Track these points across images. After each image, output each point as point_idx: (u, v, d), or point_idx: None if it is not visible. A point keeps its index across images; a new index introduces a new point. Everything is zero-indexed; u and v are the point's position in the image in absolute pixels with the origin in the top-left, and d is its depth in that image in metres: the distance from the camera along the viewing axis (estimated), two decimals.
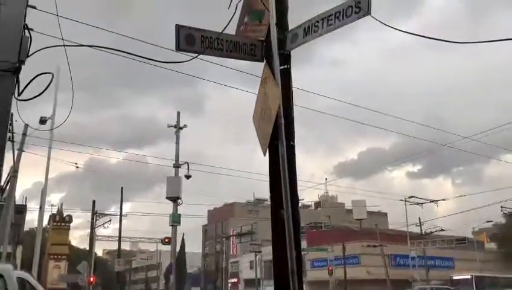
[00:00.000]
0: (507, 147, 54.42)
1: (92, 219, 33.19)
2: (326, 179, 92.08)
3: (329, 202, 69.35)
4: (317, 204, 72.26)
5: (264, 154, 3.51)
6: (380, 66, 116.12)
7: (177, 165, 20.90)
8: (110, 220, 34.75)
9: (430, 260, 44.08)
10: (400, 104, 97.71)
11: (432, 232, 43.89)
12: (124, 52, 4.08)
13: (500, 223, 49.19)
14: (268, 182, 3.57)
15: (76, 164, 30.32)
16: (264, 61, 3.56)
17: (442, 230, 43.47)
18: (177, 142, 21.08)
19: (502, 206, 40.11)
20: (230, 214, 68.30)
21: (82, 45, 4.35)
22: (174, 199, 20.29)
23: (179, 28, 3.54)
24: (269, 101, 3.37)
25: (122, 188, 35.00)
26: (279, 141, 3.40)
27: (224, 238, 63.39)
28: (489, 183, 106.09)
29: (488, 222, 47.58)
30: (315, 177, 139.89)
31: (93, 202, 34.05)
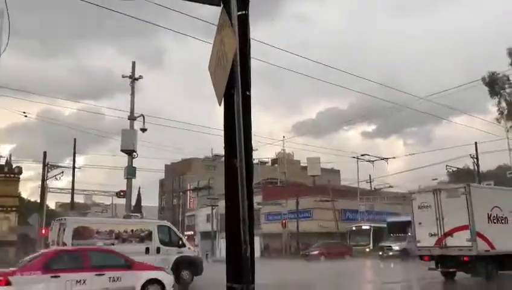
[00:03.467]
0: (457, 108, 56.95)
1: (43, 170, 32.19)
2: (284, 136, 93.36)
3: (286, 159, 70.68)
4: (274, 161, 73.53)
5: (220, 103, 3.45)
6: (344, 26, 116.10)
7: (132, 118, 20.38)
8: (63, 172, 33.87)
9: (378, 214, 46.61)
10: (361, 64, 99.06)
11: (381, 189, 46.15)
12: None
13: (444, 181, 52.27)
14: (223, 133, 3.53)
15: (24, 112, 28.74)
16: (221, 6, 3.41)
17: (390, 187, 45.82)
18: (132, 94, 20.44)
19: (447, 165, 42.47)
20: (188, 169, 68.28)
21: None
22: (129, 152, 19.95)
23: None
24: (225, 48, 3.27)
25: (75, 139, 33.94)
26: (235, 90, 3.33)
27: (181, 193, 63.67)
28: (439, 143, 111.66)
29: (433, 180, 50.44)
30: (273, 135, 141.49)
31: (44, 153, 32.92)
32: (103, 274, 9.85)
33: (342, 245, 36.30)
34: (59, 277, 9.32)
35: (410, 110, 29.91)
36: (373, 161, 41.25)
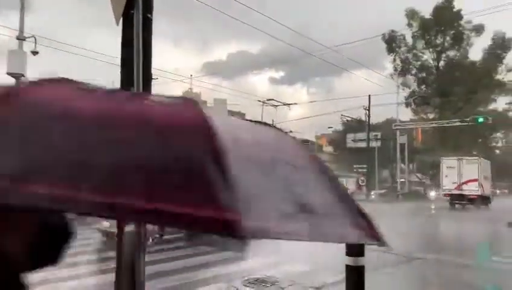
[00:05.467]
0: (359, 61, 60.35)
1: None
2: (191, 75, 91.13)
3: (193, 98, 69.59)
4: None
5: (117, 23, 3.16)
6: None
7: (21, 38, 18.15)
8: None
9: None
10: (275, 11, 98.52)
11: None
12: None
13: (338, 130, 56.19)
14: (120, 57, 3.28)
15: None
16: None
17: (291, 132, 47.96)
18: (22, 10, 18.07)
19: (342, 115, 45.44)
20: None
21: None
22: (17, 76, 17.95)
23: None
24: None
25: None
26: (135, 11, 3.07)
27: None
28: (339, 94, 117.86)
29: (329, 128, 54.01)
30: (182, 73, 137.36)
31: None
32: None
33: None
34: None
35: (316, 60, 31.00)
36: (276, 106, 42.48)
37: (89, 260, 7.57)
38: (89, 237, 10.55)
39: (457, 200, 26.34)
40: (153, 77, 3.29)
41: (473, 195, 25.90)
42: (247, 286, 5.93)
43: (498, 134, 66.18)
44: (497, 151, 66.34)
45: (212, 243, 9.43)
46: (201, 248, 9.10)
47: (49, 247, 0.90)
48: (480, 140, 56.74)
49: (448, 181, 27.29)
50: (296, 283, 6.17)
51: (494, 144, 68.21)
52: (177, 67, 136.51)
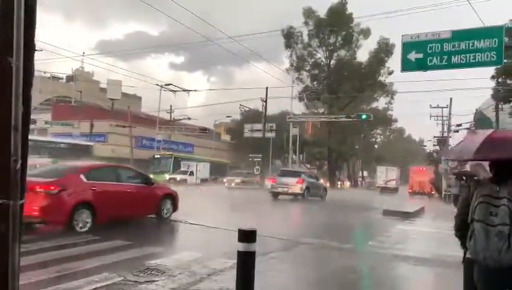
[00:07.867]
0: (259, 53, 61.58)
1: None
2: (83, 52, 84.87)
3: (84, 77, 64.91)
4: (70, 78, 66.75)
5: None
6: None
7: None
8: None
9: (174, 144, 48.15)
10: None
11: (180, 120, 47.42)
12: None
13: (236, 120, 57.09)
14: None
15: None
16: None
17: (189, 119, 47.53)
18: None
19: (240, 105, 46.18)
20: None
21: None
22: None
23: None
24: None
25: None
26: None
27: None
28: (238, 84, 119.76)
29: (227, 117, 54.60)
30: (73, 49, 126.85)
31: None
32: None
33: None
34: None
35: (218, 48, 30.89)
36: (175, 92, 41.59)
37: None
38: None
39: (385, 190, 43.57)
40: (36, 49, 2.97)
41: (392, 187, 45.35)
42: (136, 275, 5.74)
43: (378, 130, 73.15)
44: (376, 146, 73.30)
45: (98, 231, 8.97)
46: (88, 236, 8.60)
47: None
48: (362, 135, 62.11)
49: (380, 179, 48.38)
50: (187, 270, 6.14)
51: (373, 139, 75.23)
52: (67, 43, 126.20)
